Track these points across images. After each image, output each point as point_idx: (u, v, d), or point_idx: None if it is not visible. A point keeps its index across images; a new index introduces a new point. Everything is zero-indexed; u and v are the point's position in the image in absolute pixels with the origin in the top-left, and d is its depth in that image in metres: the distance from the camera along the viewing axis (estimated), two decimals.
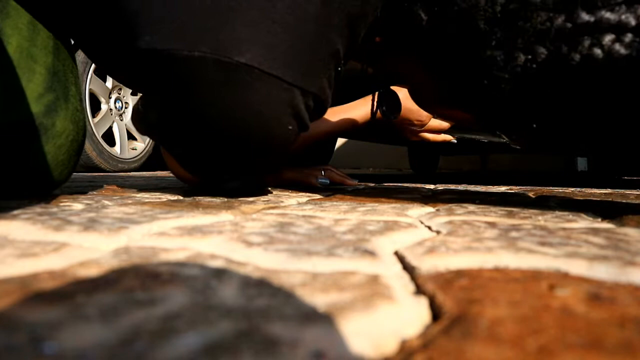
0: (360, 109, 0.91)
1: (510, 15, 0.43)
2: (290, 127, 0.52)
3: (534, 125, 0.48)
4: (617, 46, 0.39)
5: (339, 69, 0.54)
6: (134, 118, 0.61)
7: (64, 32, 0.60)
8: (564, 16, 0.40)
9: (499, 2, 0.43)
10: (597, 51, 0.40)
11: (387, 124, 0.93)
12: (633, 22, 0.38)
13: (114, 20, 0.50)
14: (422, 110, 0.93)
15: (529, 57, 0.43)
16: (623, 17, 0.39)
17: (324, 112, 0.57)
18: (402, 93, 0.86)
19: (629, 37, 0.39)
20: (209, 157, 0.55)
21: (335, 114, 0.89)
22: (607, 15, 0.39)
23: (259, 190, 0.74)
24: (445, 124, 0.99)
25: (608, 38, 0.39)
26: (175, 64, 0.46)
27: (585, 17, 0.40)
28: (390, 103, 0.77)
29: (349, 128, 0.91)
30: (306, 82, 0.50)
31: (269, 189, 0.80)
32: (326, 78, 0.53)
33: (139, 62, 0.49)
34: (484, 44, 0.45)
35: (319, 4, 0.47)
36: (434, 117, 0.94)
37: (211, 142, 0.52)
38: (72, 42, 0.64)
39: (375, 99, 0.77)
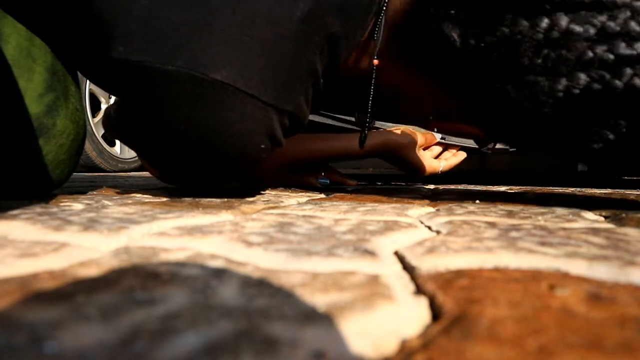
0: (348, 141, 0.88)
1: (554, 42, 0.44)
2: (262, 146, 0.51)
3: (561, 146, 0.51)
4: None
5: (316, 85, 0.54)
6: (104, 122, 0.61)
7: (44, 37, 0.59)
8: (605, 47, 0.43)
9: (542, 29, 0.44)
10: (638, 81, 0.43)
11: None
12: None
13: (87, 28, 0.49)
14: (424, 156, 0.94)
15: (570, 83, 0.45)
16: None
17: (300, 128, 0.57)
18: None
19: None
20: (180, 166, 0.56)
21: (323, 139, 0.87)
22: None
23: (258, 190, 0.74)
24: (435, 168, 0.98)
25: None
26: (148, 76, 0.46)
27: (625, 50, 0.42)
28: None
29: (335, 154, 0.88)
30: (282, 101, 0.50)
31: (269, 189, 0.80)
32: (303, 96, 0.53)
33: (112, 71, 0.48)
34: (527, 69, 0.46)
35: (299, 22, 0.47)
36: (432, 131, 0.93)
37: (181, 154, 0.51)
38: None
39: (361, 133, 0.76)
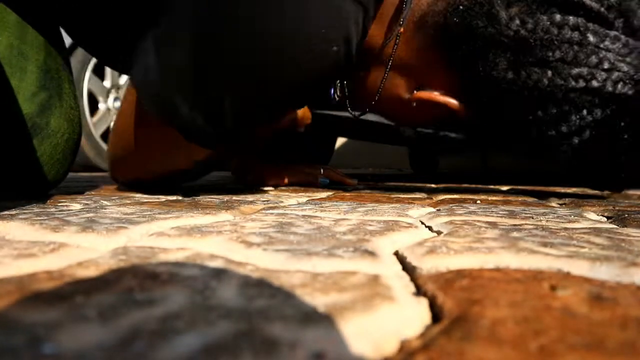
0: None
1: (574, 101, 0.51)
2: (335, 48, 0.48)
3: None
4: None
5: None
6: (139, 88, 0.53)
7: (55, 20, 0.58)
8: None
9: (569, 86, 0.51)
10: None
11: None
12: None
13: None
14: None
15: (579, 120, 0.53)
16: None
17: (351, 61, 0.54)
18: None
19: None
20: (243, 93, 0.50)
21: None
22: None
23: (258, 190, 0.74)
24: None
25: None
26: None
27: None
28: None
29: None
30: (368, 5, 0.49)
31: (269, 189, 0.80)
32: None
33: None
34: (552, 122, 0.53)
35: None
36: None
37: (255, 59, 0.47)
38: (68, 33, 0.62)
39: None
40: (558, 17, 0.50)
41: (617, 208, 0.52)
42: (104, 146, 1.97)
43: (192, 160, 0.62)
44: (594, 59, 0.50)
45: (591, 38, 0.50)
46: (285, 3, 0.45)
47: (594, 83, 0.50)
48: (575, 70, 0.50)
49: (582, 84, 0.50)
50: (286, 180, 0.88)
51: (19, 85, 0.52)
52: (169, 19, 0.49)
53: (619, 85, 0.50)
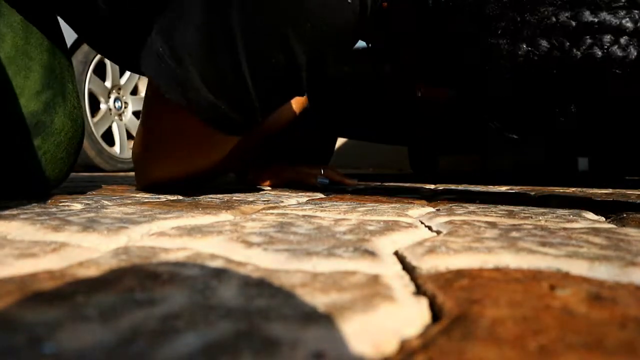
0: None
1: (519, 5, 0.43)
2: (349, 1, 0.47)
3: (527, 118, 0.49)
4: (614, 48, 0.41)
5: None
6: (163, 79, 0.50)
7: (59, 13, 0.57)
8: (569, 14, 0.42)
9: None
10: (597, 51, 0.41)
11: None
12: (631, 26, 0.41)
13: None
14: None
15: (531, 49, 0.44)
16: (623, 20, 0.41)
17: (366, 15, 0.52)
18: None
19: (624, 39, 0.41)
20: (265, 58, 0.48)
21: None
22: (609, 17, 0.41)
23: (258, 190, 0.74)
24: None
25: (607, 39, 0.41)
26: None
27: (589, 17, 0.41)
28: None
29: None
30: None
31: (269, 189, 0.80)
32: None
33: None
34: (491, 31, 0.45)
35: None
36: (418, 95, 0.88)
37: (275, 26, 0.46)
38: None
39: None
40: None
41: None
42: (105, 146, 1.97)
43: (211, 161, 0.62)
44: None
45: None
46: None
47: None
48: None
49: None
50: (286, 180, 0.88)
51: (23, 84, 0.52)
52: (174, 6, 0.49)
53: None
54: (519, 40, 0.44)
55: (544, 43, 0.43)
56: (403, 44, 0.58)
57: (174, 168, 0.62)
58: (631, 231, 0.34)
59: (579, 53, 0.42)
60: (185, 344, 0.13)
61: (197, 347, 0.13)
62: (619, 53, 0.41)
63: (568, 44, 0.42)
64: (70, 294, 0.17)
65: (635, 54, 0.41)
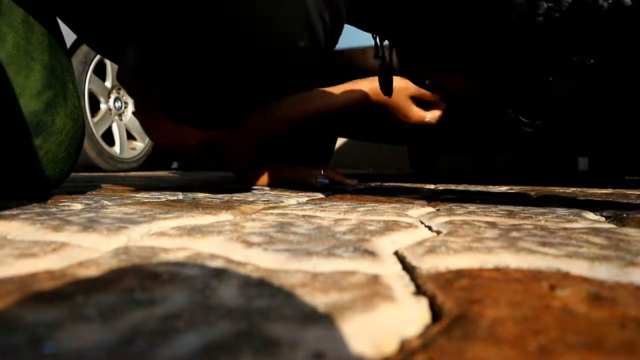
0: (350, 90, 0.86)
1: None
2: (302, 44, 0.49)
3: (536, 87, 0.45)
4: None
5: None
6: (122, 77, 0.58)
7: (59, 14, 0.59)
8: None
9: None
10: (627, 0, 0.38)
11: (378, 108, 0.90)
12: None
13: None
14: (410, 109, 0.91)
15: (552, 4, 0.41)
16: None
17: (339, 32, 0.53)
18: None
19: None
20: (219, 82, 0.52)
21: (321, 94, 0.86)
22: None
23: (258, 189, 0.74)
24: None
25: None
26: None
27: None
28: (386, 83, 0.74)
29: (340, 106, 0.86)
30: None
31: (269, 189, 0.80)
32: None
33: None
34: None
35: None
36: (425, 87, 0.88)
37: (225, 53, 0.48)
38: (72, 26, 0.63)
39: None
40: None
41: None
42: (105, 146, 1.97)
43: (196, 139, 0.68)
44: None
45: None
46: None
47: None
48: None
49: None
50: (286, 180, 0.88)
51: (25, 84, 0.52)
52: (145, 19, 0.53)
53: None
54: None
55: None
56: (410, 26, 0.57)
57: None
58: (631, 231, 0.34)
59: (606, 3, 0.39)
60: (185, 344, 0.13)
61: (197, 347, 0.13)
62: None
63: None
64: (70, 294, 0.17)
65: None
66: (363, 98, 0.87)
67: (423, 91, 0.90)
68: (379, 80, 0.69)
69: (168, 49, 0.52)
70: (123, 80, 0.59)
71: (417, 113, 0.92)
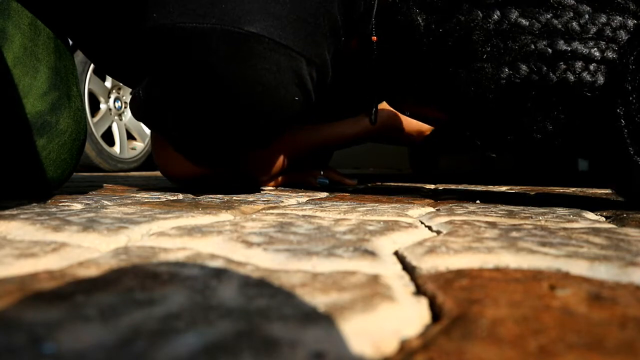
0: (356, 123, 0.91)
1: (502, 33, 0.48)
2: (297, 98, 0.53)
3: (508, 136, 0.52)
4: (585, 74, 0.45)
5: (339, 46, 0.57)
6: (132, 104, 0.62)
7: (64, 30, 0.60)
8: (546, 42, 0.46)
9: (493, 20, 0.48)
10: (570, 76, 0.46)
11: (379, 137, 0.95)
12: (598, 55, 0.45)
13: (119, 6, 0.51)
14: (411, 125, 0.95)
15: (512, 72, 0.48)
16: (592, 50, 0.45)
17: (325, 84, 0.58)
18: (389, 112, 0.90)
19: (593, 66, 0.45)
20: (213, 133, 0.56)
21: (332, 126, 0.90)
22: (580, 47, 0.45)
23: (258, 190, 0.74)
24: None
25: (578, 65, 0.45)
26: (184, 37, 0.47)
27: (563, 46, 0.46)
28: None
29: (347, 138, 0.91)
30: (312, 53, 0.52)
31: (269, 189, 0.80)
32: (328, 52, 0.55)
33: (147, 43, 0.50)
34: (476, 56, 0.49)
35: None
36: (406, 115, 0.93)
37: (218, 115, 0.52)
38: (71, 41, 0.64)
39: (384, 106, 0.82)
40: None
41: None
42: (105, 146, 1.97)
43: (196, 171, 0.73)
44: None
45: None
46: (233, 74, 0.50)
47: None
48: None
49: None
50: (286, 180, 0.88)
51: (31, 84, 0.53)
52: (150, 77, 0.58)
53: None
54: (502, 65, 0.48)
55: (524, 67, 0.47)
56: (393, 71, 0.62)
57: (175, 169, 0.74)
58: (631, 231, 0.34)
59: (554, 77, 0.46)
60: (185, 344, 0.13)
61: (197, 347, 0.13)
62: (589, 78, 0.45)
63: (545, 69, 0.46)
64: (70, 293, 0.17)
65: (602, 80, 0.45)
66: (367, 130, 0.92)
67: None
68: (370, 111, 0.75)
69: (173, 106, 0.56)
70: (132, 107, 0.63)
71: (422, 127, 0.97)
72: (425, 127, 0.97)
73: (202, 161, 0.68)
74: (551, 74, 0.46)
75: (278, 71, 0.50)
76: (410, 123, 0.95)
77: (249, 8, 0.47)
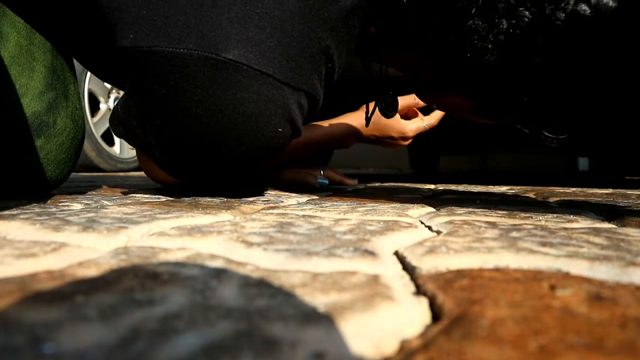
0: (352, 119, 0.89)
1: None
2: (280, 130, 0.50)
3: (524, 99, 0.44)
4: None
5: (330, 65, 0.52)
6: (111, 119, 0.59)
7: (52, 38, 0.60)
8: None
9: None
10: (583, 7, 0.36)
11: (372, 139, 0.92)
12: None
13: (96, 21, 0.49)
14: (406, 126, 0.91)
15: (512, 22, 0.40)
16: None
17: (316, 110, 0.55)
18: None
19: None
20: (193, 160, 0.52)
21: (327, 124, 0.89)
22: None
23: (258, 189, 0.74)
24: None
25: None
26: (160, 61, 0.45)
27: None
28: (389, 103, 0.76)
29: (341, 136, 0.89)
30: (296, 79, 0.48)
31: (269, 189, 0.80)
32: (317, 75, 0.51)
33: (122, 61, 0.48)
34: (465, 13, 0.42)
35: None
36: (432, 108, 0.90)
37: (196, 142, 0.49)
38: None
39: (371, 105, 0.76)
40: None
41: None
42: (105, 146, 1.97)
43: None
44: None
45: None
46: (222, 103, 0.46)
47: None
48: None
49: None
50: (286, 180, 0.89)
51: (27, 84, 0.52)
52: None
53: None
54: (497, 17, 0.40)
55: (524, 13, 0.39)
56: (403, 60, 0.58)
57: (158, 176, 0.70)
58: (631, 231, 0.34)
59: (562, 14, 0.37)
60: (185, 344, 0.13)
61: (197, 347, 0.13)
62: (611, 3, 0.35)
63: (550, 7, 0.38)
64: (70, 294, 0.17)
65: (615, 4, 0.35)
66: (351, 132, 0.89)
67: (408, 102, 0.91)
68: (379, 107, 0.71)
69: (149, 128, 0.52)
70: (112, 123, 0.60)
71: (413, 126, 0.92)
72: (419, 126, 0.93)
73: (184, 179, 0.64)
74: (557, 12, 0.38)
75: (258, 100, 0.46)
76: (403, 124, 0.92)
77: (227, 33, 0.44)
